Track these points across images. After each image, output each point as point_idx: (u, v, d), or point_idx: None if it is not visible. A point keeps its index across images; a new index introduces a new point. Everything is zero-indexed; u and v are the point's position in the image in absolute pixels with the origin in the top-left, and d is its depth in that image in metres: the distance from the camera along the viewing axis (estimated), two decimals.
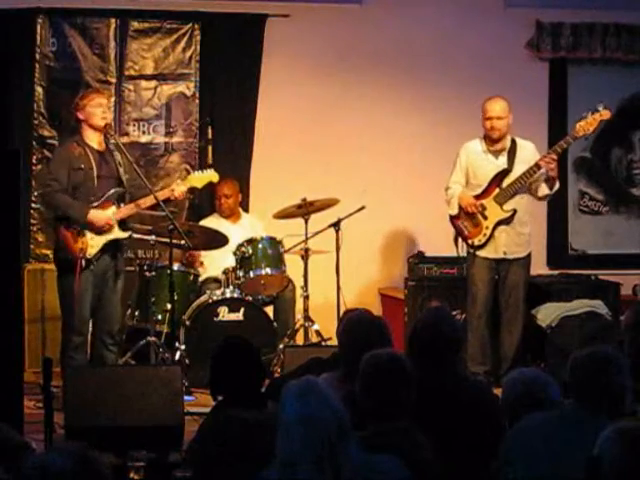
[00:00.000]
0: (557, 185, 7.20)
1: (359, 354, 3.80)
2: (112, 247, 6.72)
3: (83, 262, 6.54)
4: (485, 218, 7.17)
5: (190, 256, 7.72)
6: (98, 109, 6.66)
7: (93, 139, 6.70)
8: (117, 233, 6.71)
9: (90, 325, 6.85)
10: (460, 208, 7.20)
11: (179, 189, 6.85)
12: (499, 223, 7.15)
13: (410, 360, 3.78)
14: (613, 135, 8.81)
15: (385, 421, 3.58)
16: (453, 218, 7.28)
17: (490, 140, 7.17)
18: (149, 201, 6.72)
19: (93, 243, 6.62)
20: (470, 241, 7.22)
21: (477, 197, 7.20)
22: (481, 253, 7.19)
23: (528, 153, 7.16)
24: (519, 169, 7.09)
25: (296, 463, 2.98)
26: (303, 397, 3.05)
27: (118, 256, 6.80)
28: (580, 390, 3.55)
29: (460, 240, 7.28)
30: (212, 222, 7.82)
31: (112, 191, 6.67)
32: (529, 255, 7.30)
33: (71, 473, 2.54)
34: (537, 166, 7.03)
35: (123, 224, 6.75)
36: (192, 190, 7.29)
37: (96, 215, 6.60)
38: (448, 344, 4.22)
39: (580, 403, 3.54)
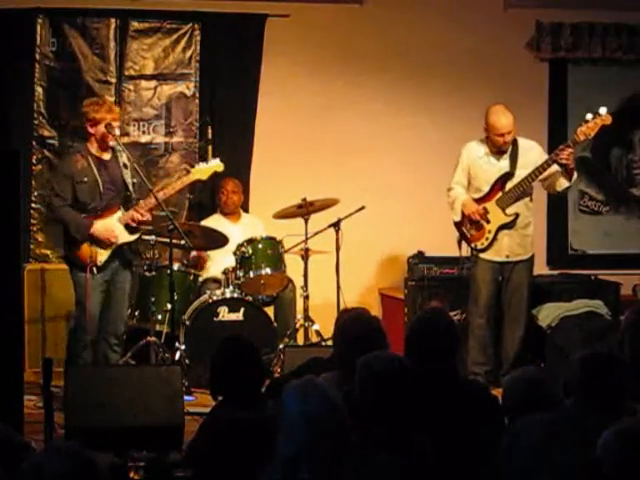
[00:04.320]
0: (575, 175, 7.16)
1: (356, 354, 3.80)
2: (122, 251, 6.71)
3: (94, 269, 6.53)
4: (488, 222, 7.16)
5: (199, 259, 7.72)
6: (109, 129, 6.60)
7: (99, 150, 6.68)
8: (125, 237, 6.69)
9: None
10: (463, 214, 7.20)
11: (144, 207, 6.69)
12: (502, 227, 7.15)
13: (408, 360, 3.78)
14: (613, 135, 8.80)
15: (385, 422, 3.58)
16: (456, 223, 7.27)
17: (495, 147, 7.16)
18: (153, 202, 6.68)
19: (102, 251, 6.61)
20: (473, 244, 7.22)
21: (479, 200, 7.19)
22: (484, 256, 7.19)
23: (533, 156, 7.11)
24: (521, 173, 7.08)
25: (297, 462, 2.98)
26: (304, 396, 3.05)
27: (130, 259, 6.78)
28: (583, 390, 3.56)
29: (463, 242, 7.27)
30: (213, 221, 7.82)
31: (115, 196, 6.65)
32: (532, 257, 7.30)
33: (68, 474, 2.54)
34: (546, 164, 7.00)
35: (131, 226, 6.72)
36: (194, 184, 7.29)
37: (99, 231, 6.56)
38: (445, 344, 4.22)
39: (582, 403, 3.54)
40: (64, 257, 6.85)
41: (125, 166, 6.71)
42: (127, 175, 6.71)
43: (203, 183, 7.44)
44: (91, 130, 6.64)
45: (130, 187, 6.71)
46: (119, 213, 6.66)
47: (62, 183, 6.63)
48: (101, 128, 6.59)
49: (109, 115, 6.64)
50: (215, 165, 7.09)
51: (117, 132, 6.70)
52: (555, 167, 7.04)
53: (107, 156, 6.70)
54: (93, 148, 6.67)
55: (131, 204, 6.70)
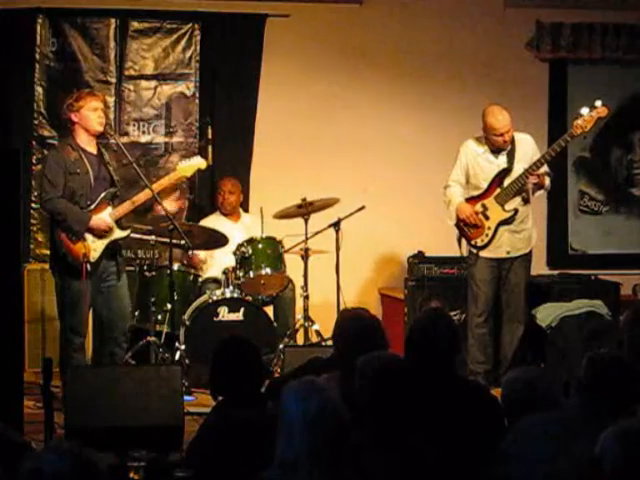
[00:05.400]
0: (548, 182, 7.18)
1: (356, 354, 3.80)
2: (111, 249, 6.69)
3: (88, 267, 6.50)
4: (487, 218, 7.17)
5: (192, 260, 7.71)
6: (94, 113, 6.56)
7: (87, 142, 6.61)
8: (117, 233, 6.68)
9: (90, 324, 6.85)
10: (459, 218, 7.20)
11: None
12: (501, 223, 7.16)
13: (408, 360, 3.78)
14: (613, 135, 8.81)
15: (384, 422, 3.58)
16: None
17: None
18: (144, 197, 6.67)
19: (95, 247, 6.56)
20: (473, 242, 7.22)
21: (478, 198, 7.20)
22: (484, 254, 7.19)
23: (527, 149, 7.16)
24: (519, 168, 7.10)
25: (297, 463, 2.98)
26: (304, 397, 3.05)
27: (117, 256, 6.75)
28: (588, 391, 3.57)
29: (463, 241, 7.28)
30: (213, 221, 7.83)
31: (105, 192, 6.63)
32: (530, 253, 7.30)
33: (67, 474, 2.54)
34: (539, 162, 7.02)
35: (119, 223, 6.71)
36: (192, 185, 7.27)
37: (96, 222, 6.54)
38: (445, 344, 4.22)
39: (585, 403, 3.55)
40: (51, 265, 6.72)
41: (109, 163, 6.69)
42: (112, 171, 6.69)
43: (188, 179, 7.39)
44: (74, 118, 6.58)
45: (116, 183, 6.69)
46: (109, 209, 6.64)
47: (55, 174, 6.53)
48: (84, 112, 6.55)
49: (89, 97, 6.62)
50: (197, 163, 7.04)
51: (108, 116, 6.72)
52: (544, 168, 7.07)
53: (94, 150, 6.66)
54: (80, 141, 6.60)
55: (118, 200, 6.68)
